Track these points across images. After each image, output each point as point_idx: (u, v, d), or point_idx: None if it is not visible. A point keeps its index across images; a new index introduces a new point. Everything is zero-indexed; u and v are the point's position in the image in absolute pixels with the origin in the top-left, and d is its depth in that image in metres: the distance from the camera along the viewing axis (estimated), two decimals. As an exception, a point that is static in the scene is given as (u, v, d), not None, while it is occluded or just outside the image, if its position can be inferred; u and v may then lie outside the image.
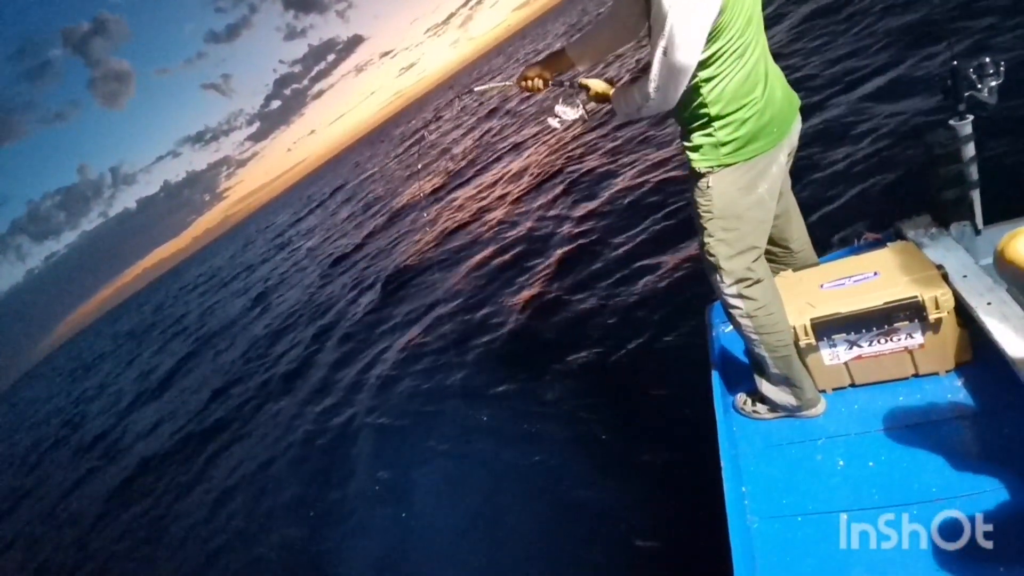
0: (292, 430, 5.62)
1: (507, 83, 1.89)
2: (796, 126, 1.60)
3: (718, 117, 1.45)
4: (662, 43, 1.28)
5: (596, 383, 3.60)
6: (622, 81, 1.61)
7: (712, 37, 1.33)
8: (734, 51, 1.37)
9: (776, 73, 1.53)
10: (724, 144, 1.47)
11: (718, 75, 1.40)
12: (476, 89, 2.01)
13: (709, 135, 1.49)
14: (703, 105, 1.45)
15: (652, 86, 1.37)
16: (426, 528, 3.24)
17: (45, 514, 7.58)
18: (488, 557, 2.83)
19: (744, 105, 1.43)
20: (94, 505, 7.23)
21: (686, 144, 1.56)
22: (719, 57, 1.37)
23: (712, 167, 1.51)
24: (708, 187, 1.54)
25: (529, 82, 1.75)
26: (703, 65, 1.37)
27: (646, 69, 1.38)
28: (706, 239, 1.61)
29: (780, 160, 1.56)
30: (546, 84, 1.76)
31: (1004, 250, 1.11)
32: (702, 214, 1.59)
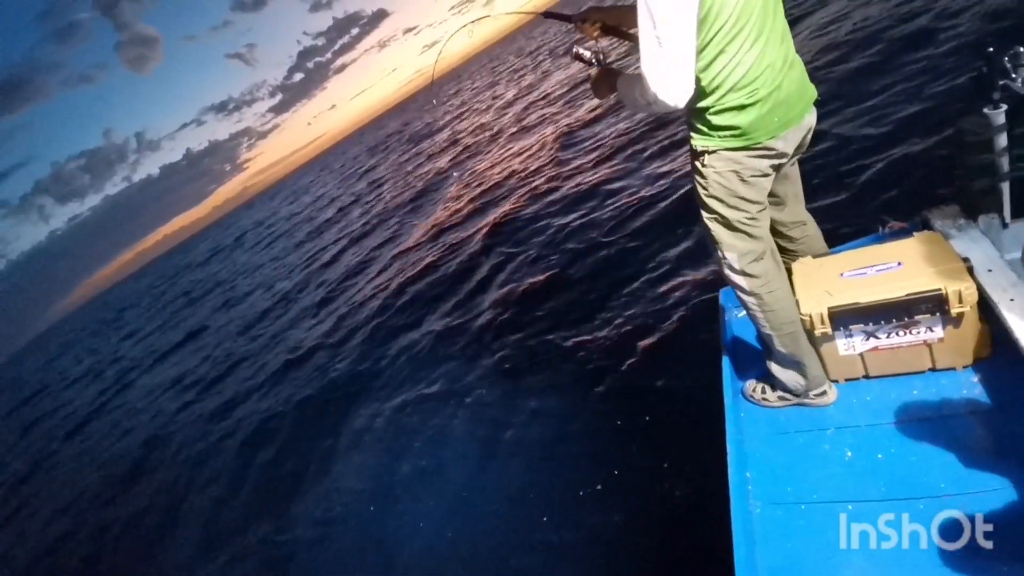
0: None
1: (573, 23, 1.71)
2: (809, 119, 1.55)
3: (715, 104, 1.42)
4: (653, 32, 1.20)
5: (604, 362, 3.61)
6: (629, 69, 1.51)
7: (704, 20, 1.27)
8: (730, 36, 1.32)
9: (792, 63, 1.46)
10: (722, 128, 1.45)
11: (715, 60, 1.35)
12: (544, 15, 1.91)
13: (706, 120, 1.46)
14: (701, 92, 1.41)
15: (653, 84, 1.25)
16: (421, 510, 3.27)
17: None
18: (479, 540, 2.88)
19: (745, 94, 1.39)
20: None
21: (687, 122, 1.54)
22: (712, 42, 1.32)
23: (708, 147, 1.50)
24: (705, 166, 1.53)
25: (590, 27, 1.64)
26: (699, 51, 1.32)
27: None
28: (705, 216, 1.61)
29: (783, 150, 1.51)
30: (603, 35, 1.66)
31: None
32: (699, 192, 1.59)
